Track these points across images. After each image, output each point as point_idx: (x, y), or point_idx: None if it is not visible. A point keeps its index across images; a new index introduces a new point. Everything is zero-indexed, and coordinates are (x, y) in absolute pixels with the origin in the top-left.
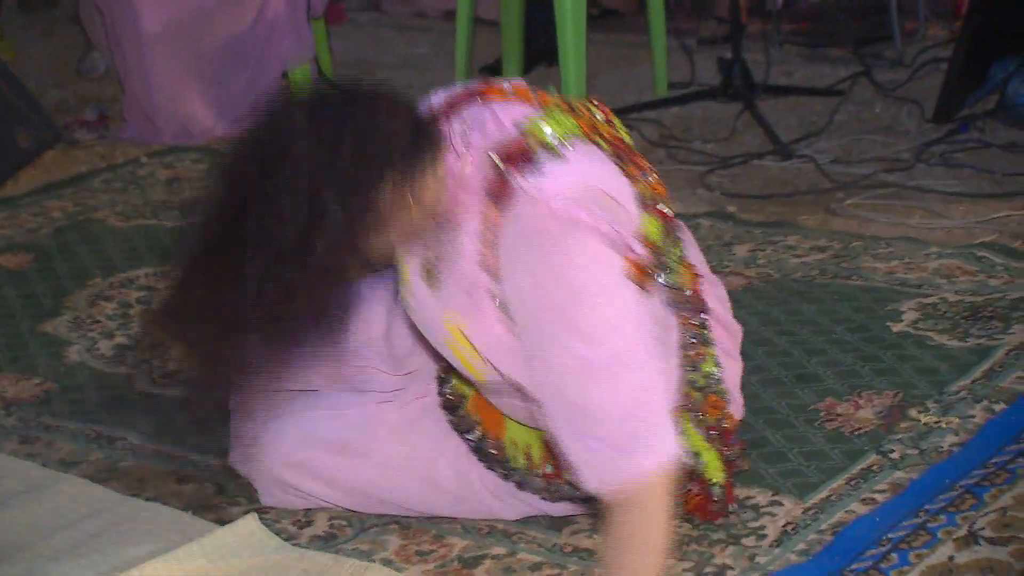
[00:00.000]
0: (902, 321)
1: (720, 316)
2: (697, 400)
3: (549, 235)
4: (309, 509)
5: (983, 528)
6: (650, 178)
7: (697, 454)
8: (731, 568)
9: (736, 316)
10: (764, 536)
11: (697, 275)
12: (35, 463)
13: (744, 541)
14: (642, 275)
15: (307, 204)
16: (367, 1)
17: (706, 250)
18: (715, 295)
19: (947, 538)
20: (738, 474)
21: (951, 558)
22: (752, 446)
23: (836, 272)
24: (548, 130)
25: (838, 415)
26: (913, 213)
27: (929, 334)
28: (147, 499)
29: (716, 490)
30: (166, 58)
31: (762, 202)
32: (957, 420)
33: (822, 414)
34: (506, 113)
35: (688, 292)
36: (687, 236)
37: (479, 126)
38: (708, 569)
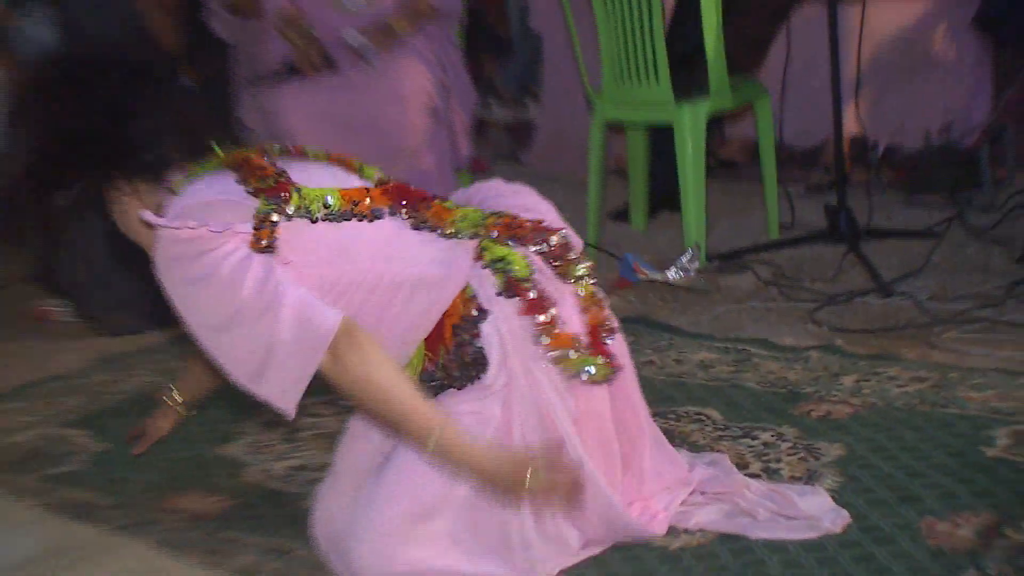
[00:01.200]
0: (996, 447)
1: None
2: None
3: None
4: None
5: None
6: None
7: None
8: None
9: (843, 441)
10: None
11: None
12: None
13: None
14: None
15: None
16: (506, 153)
17: (815, 380)
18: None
19: None
20: None
21: None
22: (861, 560)
23: (935, 401)
24: (181, 181)
25: (939, 533)
26: (1005, 346)
27: (1021, 459)
28: None
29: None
30: None
31: (866, 336)
32: None
33: (923, 532)
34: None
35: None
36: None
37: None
38: None
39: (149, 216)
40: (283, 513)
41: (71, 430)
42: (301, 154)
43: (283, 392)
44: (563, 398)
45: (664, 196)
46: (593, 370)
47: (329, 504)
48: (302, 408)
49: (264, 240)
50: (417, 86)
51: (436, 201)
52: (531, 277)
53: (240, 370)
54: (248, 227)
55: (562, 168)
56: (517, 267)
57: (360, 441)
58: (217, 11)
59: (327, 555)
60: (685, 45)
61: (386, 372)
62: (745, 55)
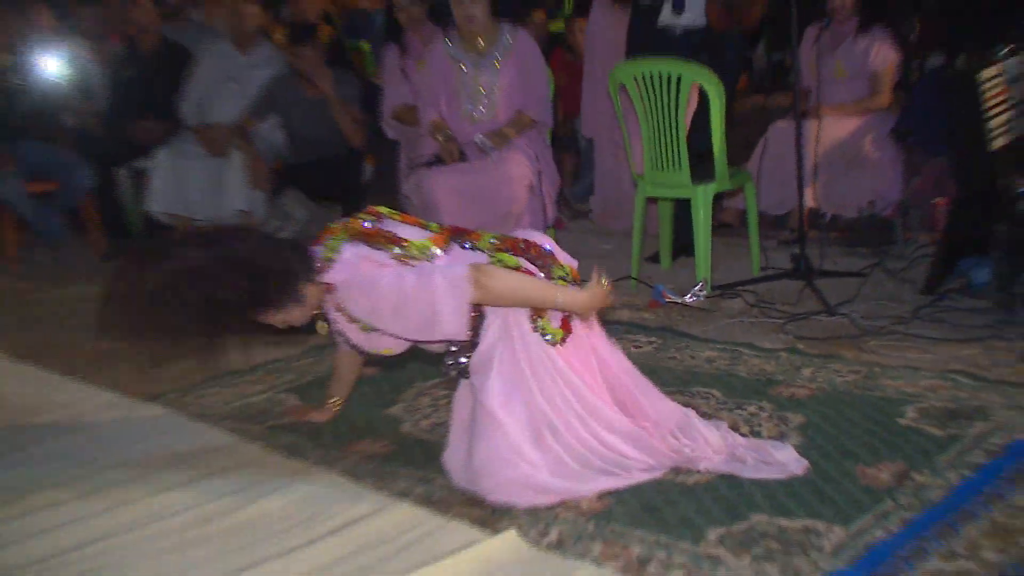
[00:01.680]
0: (907, 418)
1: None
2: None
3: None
4: (547, 523)
5: (959, 549)
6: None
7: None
8: (803, 569)
9: (803, 413)
10: (822, 549)
11: (441, 237)
12: (384, 493)
13: (812, 554)
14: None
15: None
16: (578, 215)
17: (784, 372)
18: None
19: (936, 554)
20: None
21: (939, 568)
22: (815, 493)
23: (864, 387)
24: (326, 253)
25: (868, 475)
26: (911, 351)
27: (923, 427)
28: (450, 517)
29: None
30: None
31: (818, 342)
32: (941, 481)
33: (857, 475)
34: (316, 249)
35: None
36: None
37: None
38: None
39: (334, 276)
40: (427, 454)
41: (286, 395)
42: (379, 216)
43: (456, 327)
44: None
45: (683, 245)
46: (551, 336)
47: (454, 446)
48: (442, 384)
49: (405, 262)
50: (520, 171)
51: (474, 231)
52: (519, 268)
53: (422, 327)
54: (389, 259)
55: (615, 226)
56: (509, 262)
57: (461, 401)
58: (388, 121)
59: (457, 480)
60: (699, 146)
61: (511, 278)
62: (738, 153)
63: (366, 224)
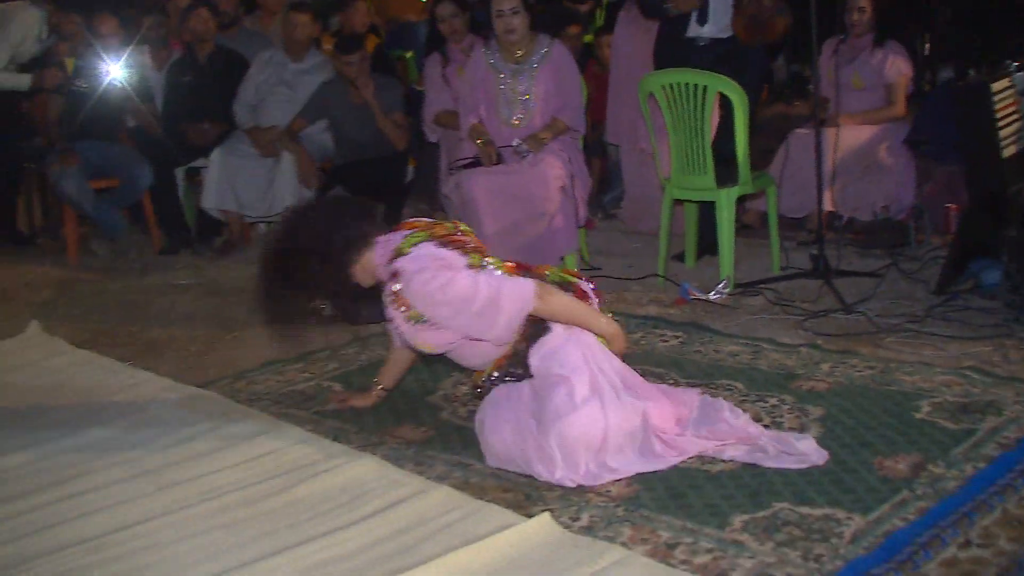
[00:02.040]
0: (922, 412)
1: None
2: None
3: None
4: (578, 508)
5: (975, 538)
6: (471, 245)
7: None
8: (823, 555)
9: (822, 406)
10: (842, 536)
11: (512, 266)
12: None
13: (832, 541)
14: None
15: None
16: (606, 215)
17: (804, 366)
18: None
19: (952, 543)
20: None
21: (955, 555)
22: (835, 483)
23: (881, 381)
24: (405, 245)
25: (885, 466)
26: (925, 348)
27: (938, 420)
28: (486, 501)
29: None
30: (497, 249)
31: (836, 339)
32: (956, 472)
33: (875, 466)
34: (395, 236)
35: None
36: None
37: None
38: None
39: (405, 264)
40: (464, 441)
41: (332, 382)
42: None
43: (507, 329)
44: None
45: (707, 245)
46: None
47: (501, 435)
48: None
49: (475, 267)
50: (554, 173)
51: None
52: (503, 264)
53: (478, 323)
54: (463, 265)
55: (643, 227)
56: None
57: (511, 396)
58: (430, 125)
59: (496, 460)
60: (724, 151)
61: (566, 299)
62: (760, 158)
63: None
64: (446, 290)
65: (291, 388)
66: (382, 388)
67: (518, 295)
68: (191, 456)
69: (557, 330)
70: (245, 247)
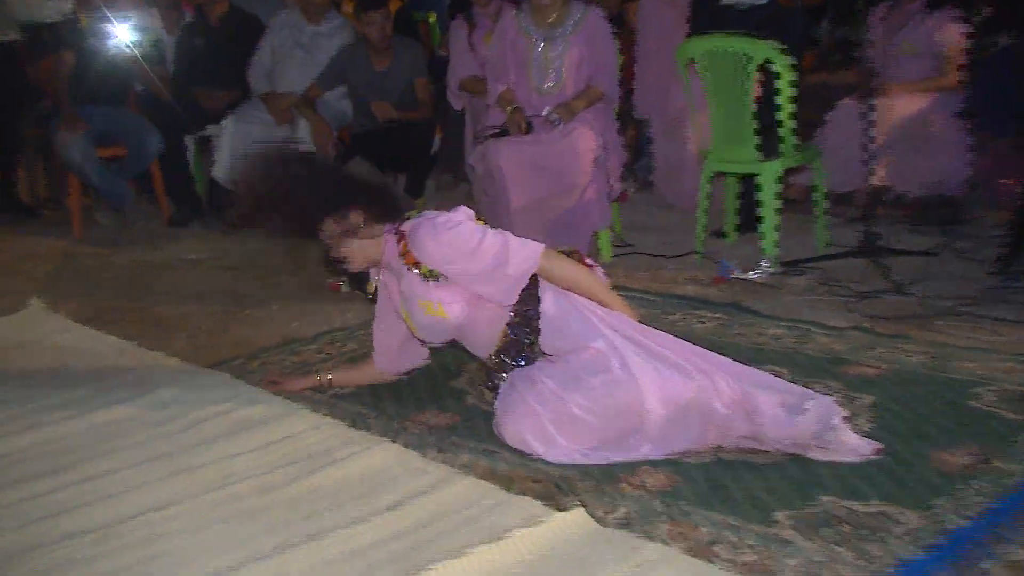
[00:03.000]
0: (982, 402)
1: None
2: None
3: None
4: (613, 500)
5: None
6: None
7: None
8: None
9: (873, 393)
10: (897, 534)
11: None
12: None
13: (886, 539)
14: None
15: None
16: (641, 185)
17: (853, 351)
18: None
19: (1016, 543)
20: None
21: (1021, 557)
22: (888, 476)
23: (935, 367)
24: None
25: (941, 459)
26: (982, 331)
27: (998, 410)
28: (514, 492)
29: None
30: (524, 224)
31: (887, 321)
32: (1019, 467)
33: (930, 458)
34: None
35: None
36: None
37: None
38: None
39: (412, 223)
40: (492, 427)
41: (349, 364)
42: None
43: (515, 279)
44: None
45: (748, 221)
46: None
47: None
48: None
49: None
50: (586, 144)
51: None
52: None
53: (487, 271)
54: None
55: (679, 201)
56: None
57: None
58: (455, 91)
59: (516, 440)
60: (767, 121)
61: (573, 266)
62: (802, 131)
63: None
64: (457, 234)
65: (307, 369)
66: (330, 379)
67: (526, 250)
68: (202, 441)
69: (547, 299)
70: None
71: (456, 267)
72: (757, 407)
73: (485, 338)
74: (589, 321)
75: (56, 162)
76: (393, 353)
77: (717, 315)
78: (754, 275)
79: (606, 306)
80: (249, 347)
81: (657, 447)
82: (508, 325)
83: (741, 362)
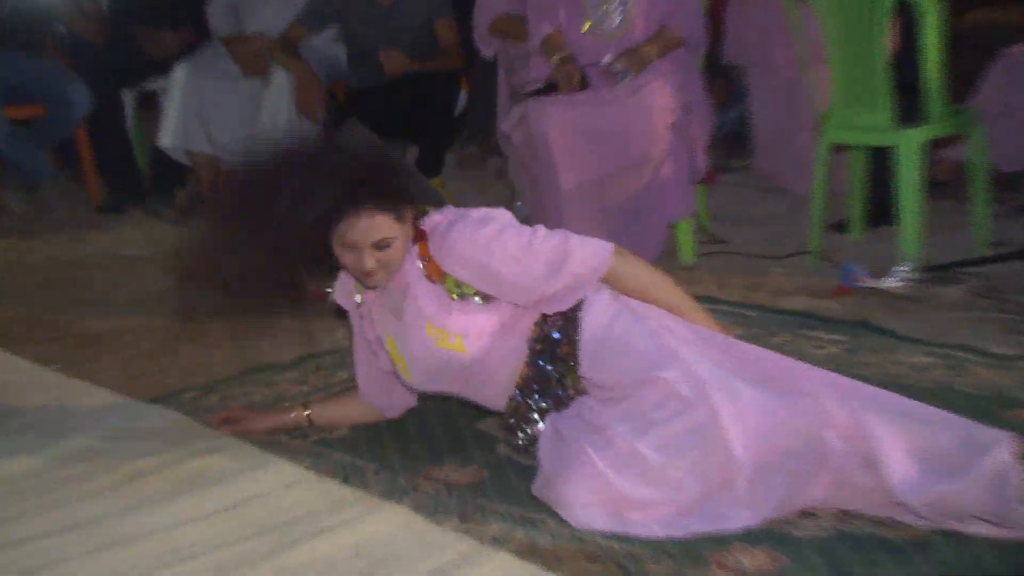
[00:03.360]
0: None
1: None
2: None
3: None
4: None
5: None
6: None
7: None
8: None
9: None
10: None
11: None
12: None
13: None
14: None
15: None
16: (732, 158)
17: (1021, 387)
18: None
19: None
20: None
21: None
22: None
23: None
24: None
25: None
26: None
27: None
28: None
29: None
30: (577, 210)
31: None
32: None
33: None
34: None
35: None
36: None
37: None
38: None
39: (434, 219)
40: (532, 487)
41: (331, 397)
42: None
43: (571, 294)
44: None
45: (880, 210)
46: None
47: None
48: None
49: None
50: (661, 104)
51: None
52: None
53: (543, 275)
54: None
55: (786, 182)
56: None
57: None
58: (484, 35)
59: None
60: (907, 76)
61: (649, 269)
62: (957, 88)
63: None
64: (500, 232)
65: (284, 405)
66: (308, 416)
67: (591, 248)
68: (141, 502)
69: (596, 310)
70: None
71: (499, 277)
72: (878, 450)
73: (500, 379)
74: (659, 338)
75: None
76: (382, 386)
77: (838, 337)
78: (889, 283)
79: (685, 316)
80: (205, 375)
81: (755, 511)
82: (531, 352)
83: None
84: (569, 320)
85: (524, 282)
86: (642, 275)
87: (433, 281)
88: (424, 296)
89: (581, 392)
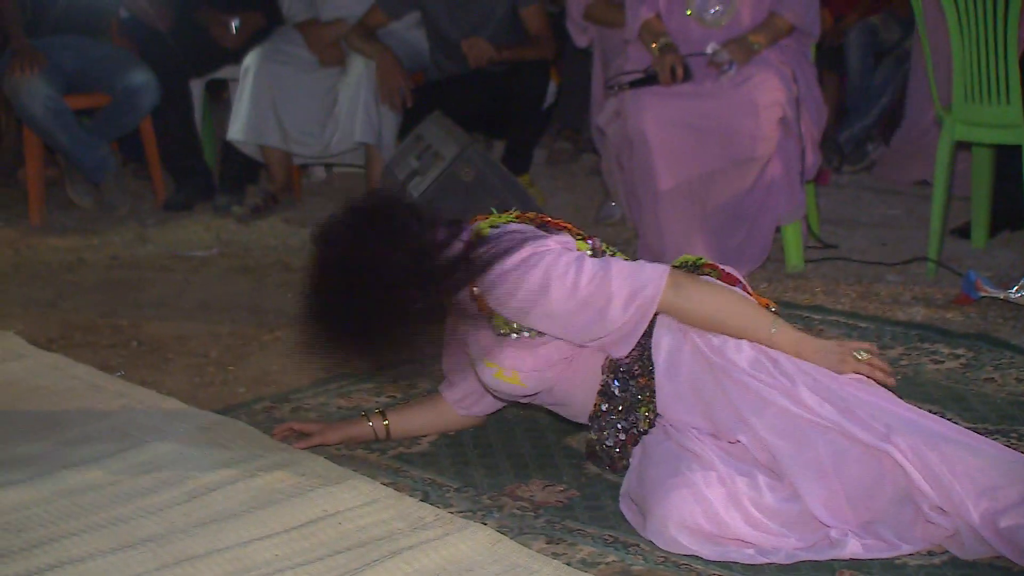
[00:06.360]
0: None
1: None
2: None
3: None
4: None
5: None
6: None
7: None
8: None
9: None
10: None
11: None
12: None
13: None
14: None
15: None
16: (848, 162)
17: None
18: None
19: None
20: None
21: None
22: None
23: None
24: (484, 226)
25: None
26: None
27: None
28: None
29: None
30: (676, 211)
31: None
32: None
33: None
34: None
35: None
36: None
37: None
38: None
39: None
40: (620, 505)
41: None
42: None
43: (625, 335)
44: None
45: (1008, 214)
46: None
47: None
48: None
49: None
50: (770, 98)
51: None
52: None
53: (588, 324)
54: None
55: (906, 179)
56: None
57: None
58: (577, 21)
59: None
60: None
61: (719, 290)
62: None
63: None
64: (550, 275)
65: (360, 415)
66: (386, 425)
67: (639, 280)
68: (211, 518)
69: (664, 341)
70: (293, 202)
71: (552, 323)
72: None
73: (577, 402)
74: (735, 395)
75: (8, 115)
76: (469, 386)
77: (958, 351)
78: (1015, 295)
79: (770, 344)
80: (276, 385)
81: (865, 547)
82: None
83: (992, 419)
84: (642, 348)
85: (571, 336)
86: (706, 302)
87: (484, 316)
88: (481, 330)
89: (653, 424)
